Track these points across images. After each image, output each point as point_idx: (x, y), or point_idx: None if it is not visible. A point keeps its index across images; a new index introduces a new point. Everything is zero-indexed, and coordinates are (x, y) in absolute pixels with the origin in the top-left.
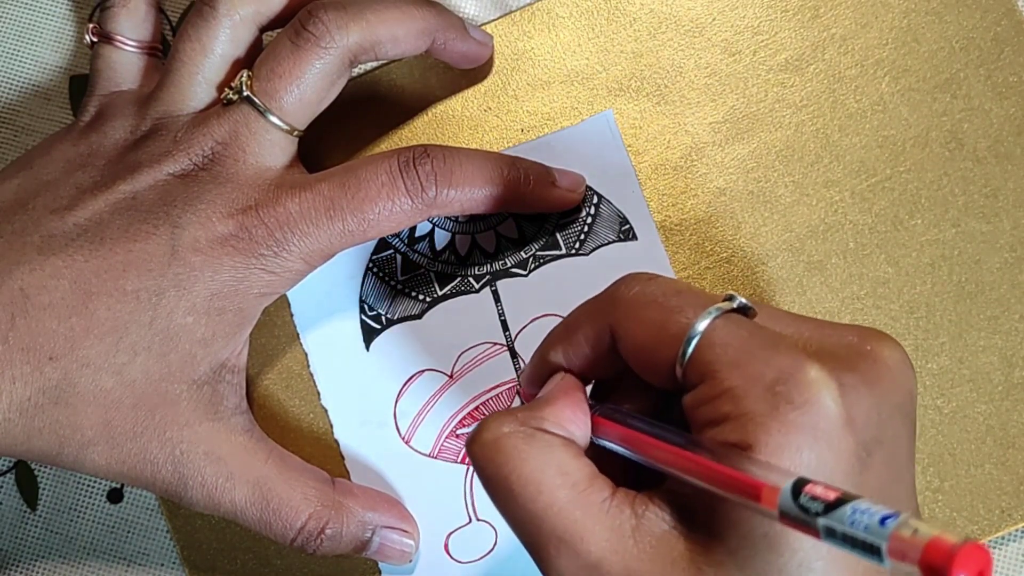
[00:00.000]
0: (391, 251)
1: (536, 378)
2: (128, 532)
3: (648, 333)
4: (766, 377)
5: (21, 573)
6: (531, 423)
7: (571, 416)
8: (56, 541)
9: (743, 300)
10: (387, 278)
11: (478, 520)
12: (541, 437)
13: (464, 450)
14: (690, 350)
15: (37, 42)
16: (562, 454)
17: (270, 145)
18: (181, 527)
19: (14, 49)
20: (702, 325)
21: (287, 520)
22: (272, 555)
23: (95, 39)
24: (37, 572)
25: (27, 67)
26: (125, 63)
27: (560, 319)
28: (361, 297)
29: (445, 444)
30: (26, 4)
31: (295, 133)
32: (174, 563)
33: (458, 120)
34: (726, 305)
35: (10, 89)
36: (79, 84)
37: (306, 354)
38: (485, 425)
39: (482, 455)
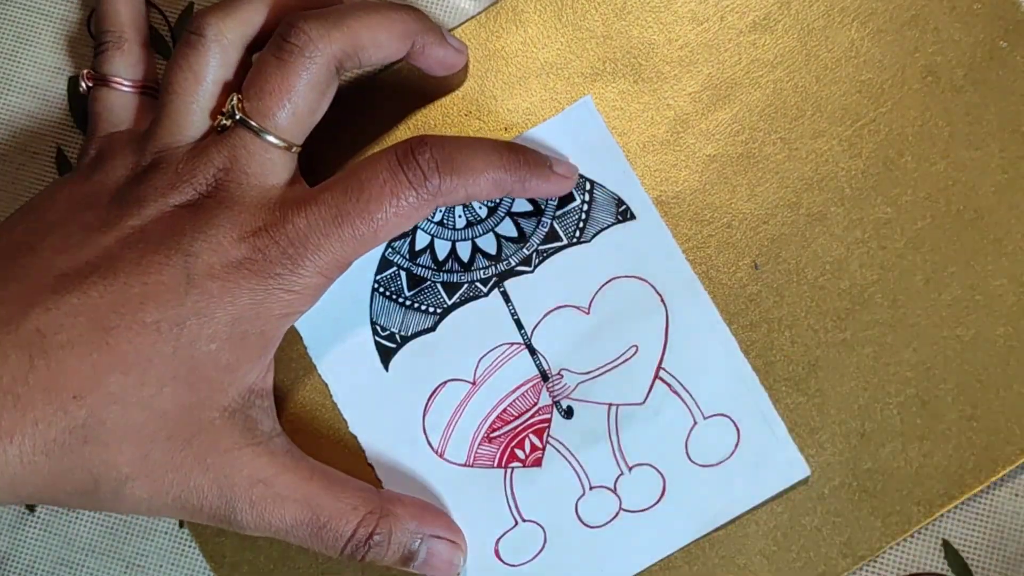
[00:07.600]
0: (394, 268)
1: None
2: (127, 533)
3: None
4: None
5: (20, 574)
6: None
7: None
8: (55, 542)
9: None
10: (395, 296)
11: (524, 521)
12: None
13: (499, 454)
14: None
15: (36, 43)
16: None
17: (271, 164)
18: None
19: (13, 50)
20: None
21: (338, 531)
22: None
23: (91, 84)
24: (36, 573)
25: (26, 68)
26: (123, 104)
27: (574, 309)
28: (372, 319)
29: (479, 451)
30: (25, 5)
31: (293, 149)
32: (173, 563)
33: (440, 129)
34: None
35: (9, 89)
36: (78, 84)
37: (326, 385)
38: None
39: None
